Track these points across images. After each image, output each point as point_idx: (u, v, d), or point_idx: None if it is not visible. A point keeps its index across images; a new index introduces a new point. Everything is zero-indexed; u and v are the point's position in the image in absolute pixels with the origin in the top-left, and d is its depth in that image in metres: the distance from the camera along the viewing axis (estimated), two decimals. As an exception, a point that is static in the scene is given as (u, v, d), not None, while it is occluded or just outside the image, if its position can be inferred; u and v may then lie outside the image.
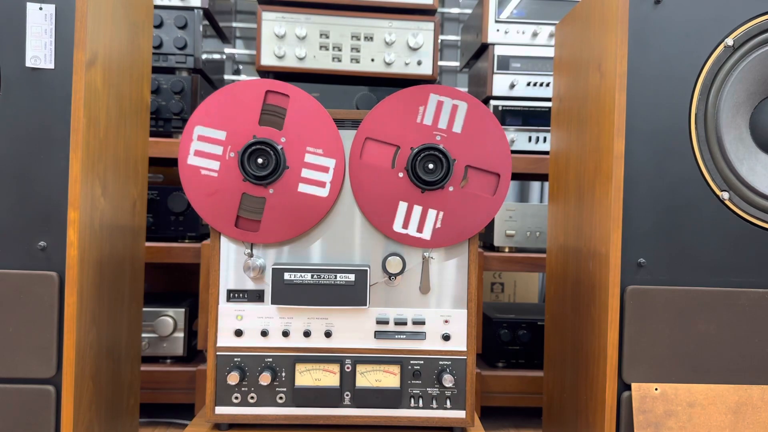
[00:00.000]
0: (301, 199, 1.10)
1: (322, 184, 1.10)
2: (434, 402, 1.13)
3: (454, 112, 1.10)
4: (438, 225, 1.11)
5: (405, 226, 1.11)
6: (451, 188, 1.10)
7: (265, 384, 1.11)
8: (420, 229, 1.11)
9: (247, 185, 1.09)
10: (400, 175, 1.10)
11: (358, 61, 1.83)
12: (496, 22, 1.88)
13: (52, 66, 1.01)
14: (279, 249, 1.13)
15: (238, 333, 1.12)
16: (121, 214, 1.23)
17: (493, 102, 1.88)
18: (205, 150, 1.09)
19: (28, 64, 1.01)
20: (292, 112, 1.10)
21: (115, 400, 1.23)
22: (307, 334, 1.12)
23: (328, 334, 1.13)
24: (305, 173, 1.10)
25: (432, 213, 1.11)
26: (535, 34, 1.88)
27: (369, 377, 1.13)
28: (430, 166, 1.10)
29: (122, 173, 1.22)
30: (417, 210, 1.11)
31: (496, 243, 1.80)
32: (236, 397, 1.12)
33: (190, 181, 1.10)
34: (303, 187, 1.10)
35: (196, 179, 1.10)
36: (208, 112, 1.10)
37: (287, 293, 1.09)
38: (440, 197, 1.11)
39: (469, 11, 2.60)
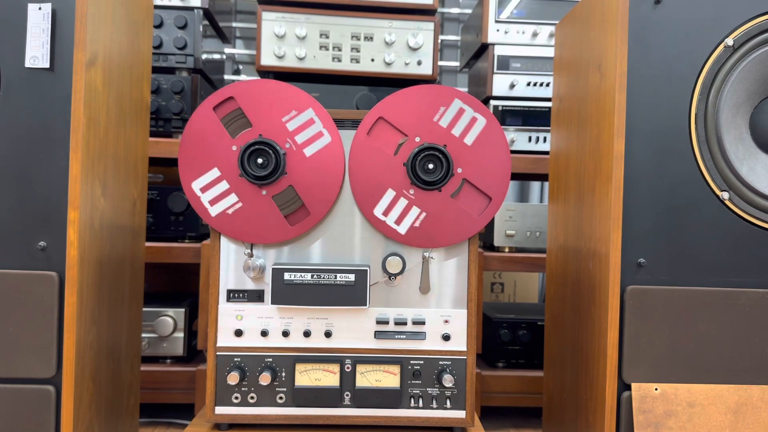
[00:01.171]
0: (317, 160, 1.10)
1: (320, 134, 1.10)
2: (434, 402, 1.13)
3: (471, 124, 1.11)
4: (417, 224, 1.11)
5: (386, 213, 1.11)
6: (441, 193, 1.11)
7: (265, 384, 1.11)
8: (398, 222, 1.11)
9: (269, 188, 1.10)
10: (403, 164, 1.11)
11: (358, 61, 1.83)
12: (496, 22, 1.88)
13: (47, 65, 1.01)
14: (279, 249, 1.13)
15: (238, 333, 1.12)
16: (121, 214, 1.23)
17: (493, 102, 1.88)
18: (215, 195, 1.10)
19: (28, 64, 1.01)
20: (246, 106, 1.10)
21: (115, 400, 1.23)
22: (307, 334, 1.12)
23: (328, 334, 1.13)
24: (300, 138, 1.10)
25: (415, 210, 1.11)
26: (535, 34, 1.88)
27: (369, 377, 1.13)
28: (430, 166, 1.10)
29: (122, 173, 1.22)
30: (402, 202, 1.11)
31: (496, 243, 1.80)
32: (236, 397, 1.12)
33: (226, 226, 1.11)
34: (309, 150, 1.10)
35: (229, 221, 1.10)
36: (190, 164, 1.10)
37: (287, 293, 1.09)
38: (429, 199, 1.11)
39: (469, 11, 2.60)
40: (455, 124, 1.11)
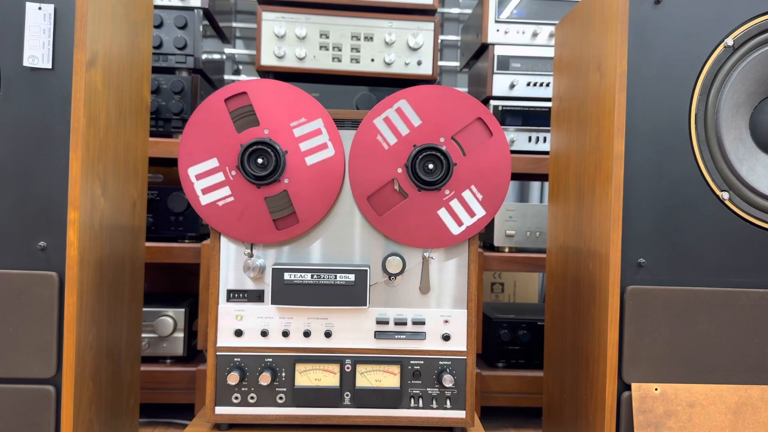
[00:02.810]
0: (316, 170, 1.10)
1: (324, 146, 1.10)
2: (434, 402, 1.13)
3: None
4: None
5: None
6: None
7: (265, 384, 1.11)
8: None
9: (264, 190, 1.10)
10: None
11: (358, 61, 1.83)
12: (496, 22, 1.88)
13: (49, 66, 1.01)
14: (279, 249, 1.13)
15: (238, 333, 1.12)
16: (121, 214, 1.23)
17: (493, 102, 1.88)
18: (209, 184, 1.10)
19: (26, 63, 1.01)
20: (258, 104, 1.10)
21: (115, 400, 1.23)
22: (307, 334, 1.12)
23: (328, 334, 1.13)
24: (304, 146, 1.10)
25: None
26: (535, 34, 1.88)
27: (369, 377, 1.13)
28: (430, 166, 1.10)
29: (122, 173, 1.22)
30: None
31: (496, 243, 1.80)
32: (236, 397, 1.12)
33: (214, 217, 1.10)
34: (310, 159, 1.10)
35: (218, 212, 1.10)
36: (190, 151, 1.10)
37: (287, 293, 1.09)
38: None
39: (469, 11, 2.60)
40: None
